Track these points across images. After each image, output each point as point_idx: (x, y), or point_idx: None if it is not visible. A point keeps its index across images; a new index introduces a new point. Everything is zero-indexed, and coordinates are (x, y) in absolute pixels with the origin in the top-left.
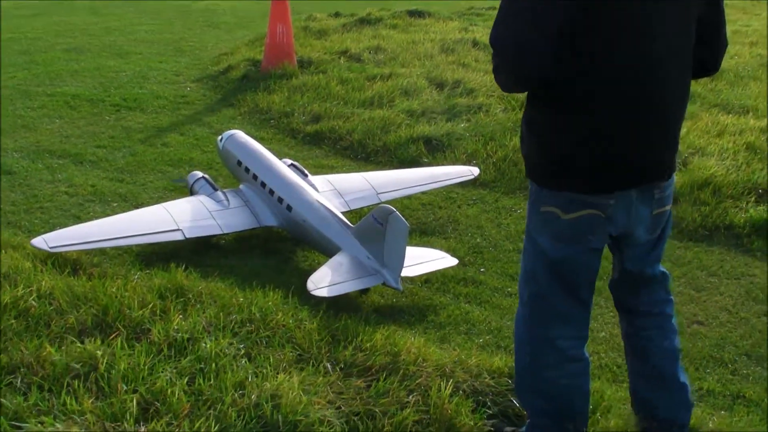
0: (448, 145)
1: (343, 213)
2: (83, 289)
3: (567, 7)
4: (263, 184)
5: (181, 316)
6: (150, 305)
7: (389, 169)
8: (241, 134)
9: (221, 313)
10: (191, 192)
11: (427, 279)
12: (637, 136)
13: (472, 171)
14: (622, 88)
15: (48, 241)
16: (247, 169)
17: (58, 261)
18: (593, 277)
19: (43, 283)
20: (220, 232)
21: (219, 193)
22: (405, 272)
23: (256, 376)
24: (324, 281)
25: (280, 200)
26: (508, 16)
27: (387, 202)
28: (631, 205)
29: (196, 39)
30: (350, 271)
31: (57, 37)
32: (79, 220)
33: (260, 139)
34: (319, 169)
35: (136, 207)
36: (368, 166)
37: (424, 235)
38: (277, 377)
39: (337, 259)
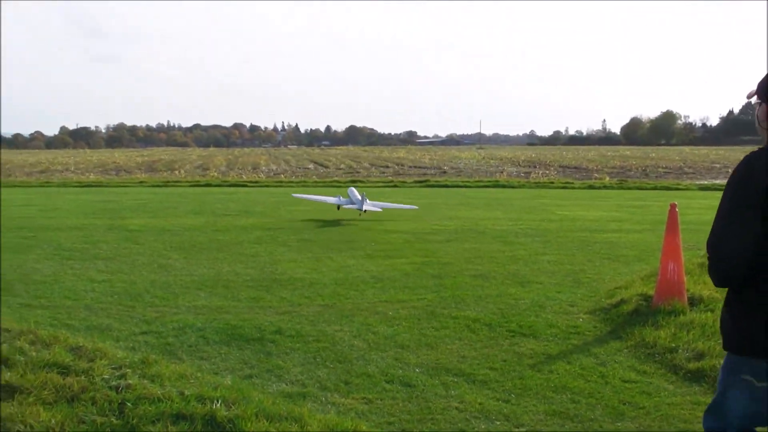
0: None
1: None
2: None
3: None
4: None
5: None
6: None
7: None
8: (352, 189)
9: None
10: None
11: None
12: None
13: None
14: None
15: None
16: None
17: None
18: None
19: None
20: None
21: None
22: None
23: None
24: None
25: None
26: (718, 226)
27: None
28: None
29: (594, 271)
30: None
31: (467, 263)
32: None
33: (642, 372)
34: (696, 405)
35: (517, 427)
36: None
37: None
38: None
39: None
